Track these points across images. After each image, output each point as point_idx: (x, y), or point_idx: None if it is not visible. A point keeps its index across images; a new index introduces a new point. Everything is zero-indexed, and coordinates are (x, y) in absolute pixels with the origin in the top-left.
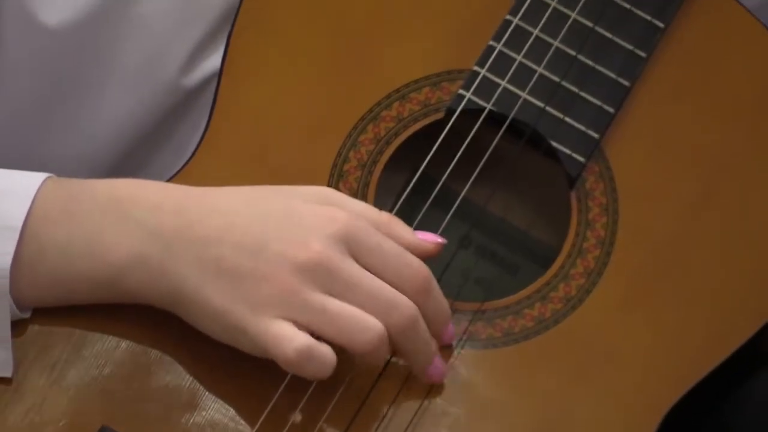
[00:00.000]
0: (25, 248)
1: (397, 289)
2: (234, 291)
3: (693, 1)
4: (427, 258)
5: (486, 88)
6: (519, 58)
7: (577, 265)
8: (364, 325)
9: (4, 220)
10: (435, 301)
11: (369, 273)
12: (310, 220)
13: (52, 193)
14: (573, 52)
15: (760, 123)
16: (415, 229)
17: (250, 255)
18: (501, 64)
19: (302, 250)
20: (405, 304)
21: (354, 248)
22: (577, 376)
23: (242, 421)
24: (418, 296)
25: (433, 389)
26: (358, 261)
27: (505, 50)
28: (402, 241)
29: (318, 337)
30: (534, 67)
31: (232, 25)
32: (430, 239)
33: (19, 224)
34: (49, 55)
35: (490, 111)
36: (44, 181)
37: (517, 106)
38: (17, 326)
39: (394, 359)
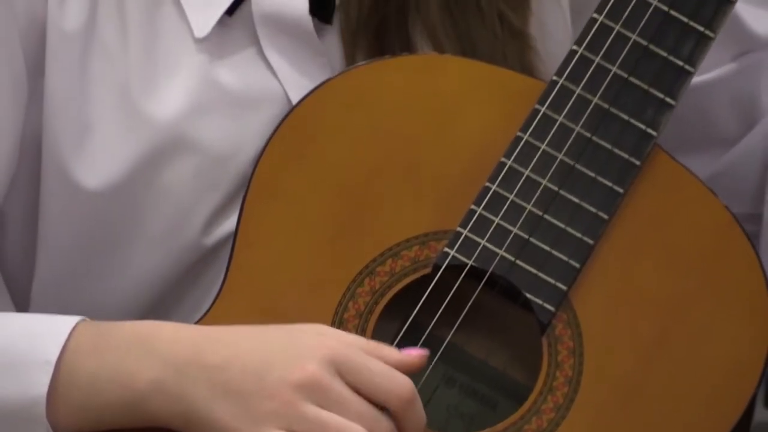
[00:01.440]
0: (59, 379)
1: (383, 401)
2: (240, 409)
3: (648, 169)
4: (412, 372)
5: (468, 247)
6: (496, 220)
7: (548, 401)
8: (351, 431)
9: (42, 354)
10: (416, 412)
11: (354, 392)
12: (305, 347)
13: (84, 331)
14: (544, 215)
15: (708, 273)
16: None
17: (255, 377)
18: (481, 226)
19: (299, 371)
20: (385, 418)
21: (343, 369)
22: None
23: None
24: (402, 406)
25: None
26: (347, 380)
27: (485, 213)
28: (388, 360)
29: None
30: (509, 227)
31: (246, 191)
32: (414, 353)
33: (54, 359)
34: (86, 216)
35: (472, 266)
36: (78, 322)
37: (494, 262)
38: None
39: None
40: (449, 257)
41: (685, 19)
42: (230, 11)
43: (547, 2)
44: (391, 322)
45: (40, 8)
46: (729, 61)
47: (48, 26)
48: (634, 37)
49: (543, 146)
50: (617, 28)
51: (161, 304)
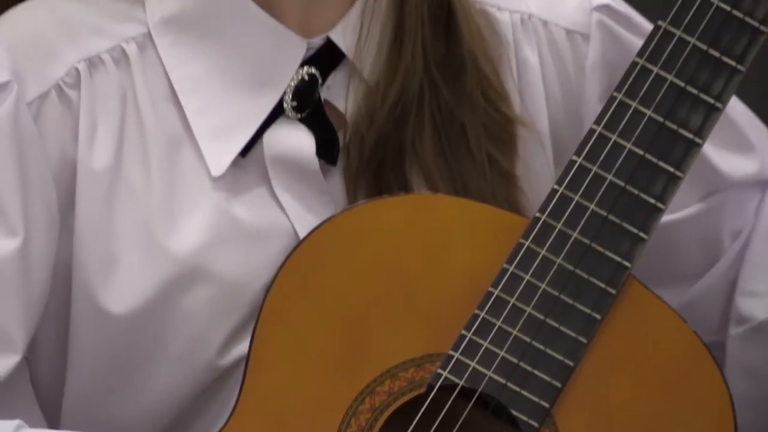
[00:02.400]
0: None
1: None
2: None
3: (623, 297)
4: None
5: (459, 368)
6: (485, 344)
7: None
8: None
9: None
10: None
11: None
12: None
13: None
14: (528, 339)
15: (678, 393)
16: None
17: None
18: (471, 349)
19: None
20: None
21: None
22: None
23: None
24: None
25: None
26: None
27: (474, 338)
28: None
29: None
30: (497, 351)
31: (257, 318)
32: None
33: None
34: (113, 339)
35: (462, 386)
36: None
37: (483, 382)
38: None
39: None
40: (442, 378)
41: (657, 161)
42: (244, 153)
43: (532, 145)
44: None
45: (71, 149)
46: (697, 201)
47: (78, 166)
48: (610, 177)
49: (527, 277)
50: (594, 169)
51: (180, 420)
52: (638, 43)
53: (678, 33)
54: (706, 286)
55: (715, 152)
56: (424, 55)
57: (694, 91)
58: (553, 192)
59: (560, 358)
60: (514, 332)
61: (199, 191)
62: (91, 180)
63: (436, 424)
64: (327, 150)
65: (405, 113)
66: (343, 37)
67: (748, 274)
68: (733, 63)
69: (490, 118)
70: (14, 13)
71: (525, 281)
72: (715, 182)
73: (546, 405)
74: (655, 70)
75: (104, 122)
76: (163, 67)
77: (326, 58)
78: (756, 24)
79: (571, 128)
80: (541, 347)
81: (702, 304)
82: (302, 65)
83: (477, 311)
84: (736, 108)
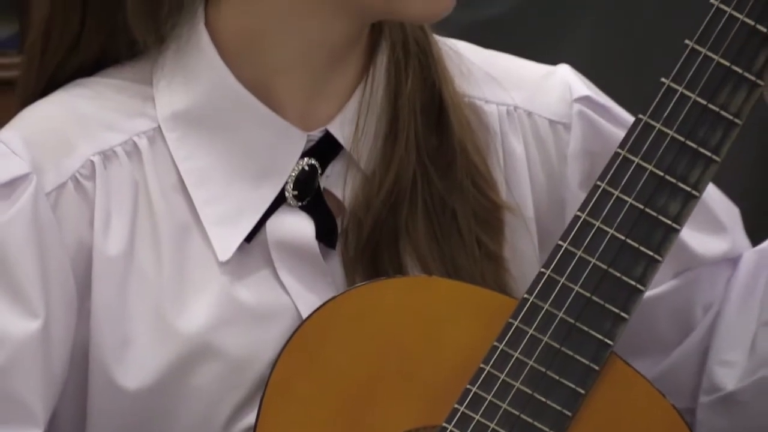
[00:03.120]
0: None
1: None
2: None
3: (605, 372)
4: None
5: None
6: (476, 417)
7: None
8: None
9: None
10: None
11: None
12: None
13: None
14: (517, 413)
15: None
16: None
17: None
18: (463, 422)
19: None
20: None
21: None
22: None
23: None
24: None
25: None
26: None
27: (466, 411)
28: None
29: None
30: (488, 423)
31: (263, 392)
32: None
33: None
34: (127, 413)
35: None
36: None
37: None
38: None
39: None
40: None
41: (638, 246)
42: (248, 238)
43: (518, 229)
44: None
45: (87, 236)
46: (671, 278)
47: (94, 252)
48: (594, 261)
49: (516, 354)
50: (579, 253)
51: None
52: (616, 131)
53: (658, 126)
54: (680, 356)
55: (690, 234)
56: (417, 147)
57: (673, 180)
58: (541, 274)
59: (547, 430)
60: (504, 406)
61: (206, 275)
62: (106, 265)
63: None
64: (326, 234)
65: (399, 200)
66: (341, 129)
67: (720, 345)
68: (709, 154)
69: (479, 204)
70: (34, 109)
71: (514, 358)
72: (689, 261)
73: None
74: (636, 160)
75: (118, 211)
76: (172, 159)
77: (325, 149)
78: (730, 117)
79: (554, 212)
80: (529, 420)
81: (676, 373)
82: (303, 156)
83: (469, 386)
84: (709, 191)
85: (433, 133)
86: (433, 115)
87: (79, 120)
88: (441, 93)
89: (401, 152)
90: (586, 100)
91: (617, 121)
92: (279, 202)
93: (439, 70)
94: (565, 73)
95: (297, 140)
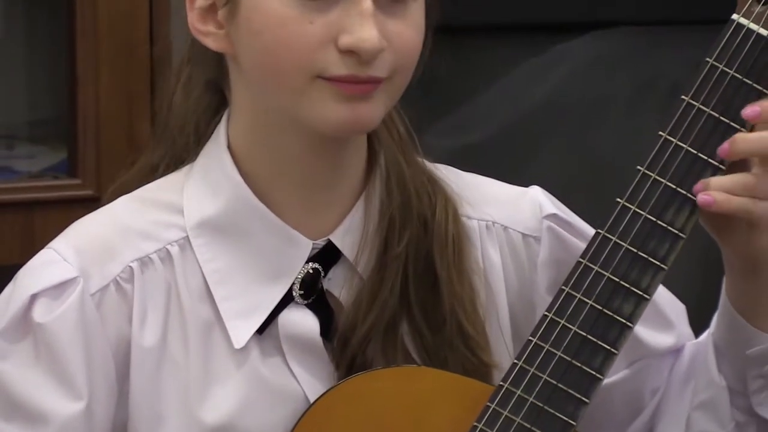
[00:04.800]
0: None
1: None
2: None
3: None
4: None
5: None
6: None
7: None
8: None
9: None
10: None
11: None
12: None
13: None
14: None
15: None
16: None
17: None
18: None
19: None
20: None
21: None
22: None
23: None
24: None
25: None
26: None
27: None
28: None
29: None
30: None
31: None
32: None
33: None
34: None
35: None
36: None
37: None
38: None
39: None
40: None
41: (597, 341)
42: (261, 331)
43: (498, 344)
44: None
45: (126, 330)
46: (625, 367)
47: (132, 344)
48: (559, 353)
49: None
50: (546, 347)
51: None
52: (579, 243)
53: (614, 239)
54: None
55: (642, 330)
56: (407, 300)
57: (627, 285)
58: (513, 365)
59: None
60: None
61: (226, 363)
62: (142, 355)
63: None
64: (329, 329)
65: (394, 304)
66: (342, 239)
67: (663, 425)
68: (658, 263)
69: (468, 360)
70: (83, 221)
71: None
72: (641, 353)
73: None
74: (595, 268)
75: (153, 309)
76: (198, 262)
77: (328, 255)
78: (676, 232)
79: (526, 313)
80: None
81: None
82: (308, 261)
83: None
84: (659, 292)
85: (427, 294)
86: (426, 281)
87: (121, 231)
88: (434, 262)
89: (386, 295)
90: (554, 217)
91: (580, 234)
92: (288, 299)
93: (436, 233)
94: (536, 194)
95: (303, 247)
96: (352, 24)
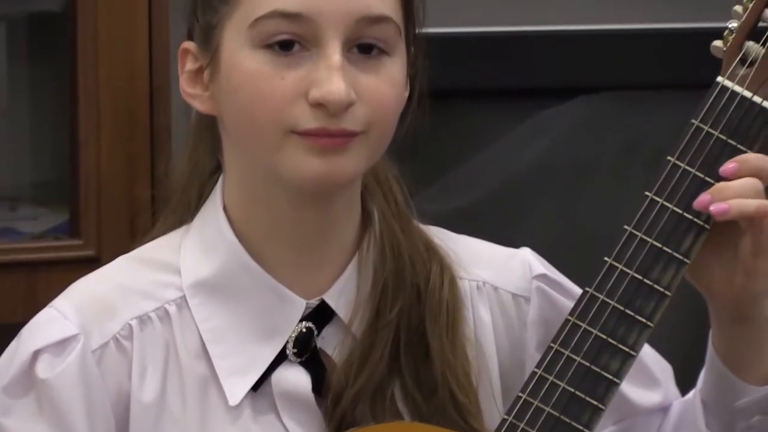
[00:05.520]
0: None
1: None
2: None
3: None
4: None
5: None
6: None
7: None
8: None
9: None
10: None
11: None
12: None
13: None
14: None
15: None
16: None
17: None
18: None
19: None
20: None
21: None
22: None
23: None
24: None
25: None
26: None
27: None
28: None
29: None
30: None
31: None
32: None
33: None
34: None
35: None
36: None
37: None
38: None
39: None
40: None
41: (585, 396)
42: (256, 388)
43: (486, 399)
44: None
45: (126, 386)
46: (612, 424)
47: (131, 399)
48: (548, 409)
49: None
50: (536, 403)
51: None
52: (569, 303)
53: (601, 297)
54: None
55: (628, 387)
56: (398, 366)
57: (614, 342)
58: (503, 421)
59: None
60: None
61: (221, 420)
62: (142, 410)
63: None
64: (321, 386)
65: (383, 370)
66: (336, 299)
67: None
68: (644, 320)
69: (460, 426)
70: (84, 280)
71: None
72: (628, 411)
73: None
74: (583, 326)
75: (152, 366)
76: (195, 321)
77: (321, 314)
78: (662, 290)
79: (516, 371)
80: None
81: None
82: (302, 320)
83: None
84: (646, 351)
85: (418, 362)
86: (418, 349)
87: (120, 290)
88: (426, 331)
89: (376, 359)
90: (543, 277)
91: (569, 293)
92: (282, 357)
93: (429, 302)
94: (525, 255)
95: (297, 306)
96: (321, 78)
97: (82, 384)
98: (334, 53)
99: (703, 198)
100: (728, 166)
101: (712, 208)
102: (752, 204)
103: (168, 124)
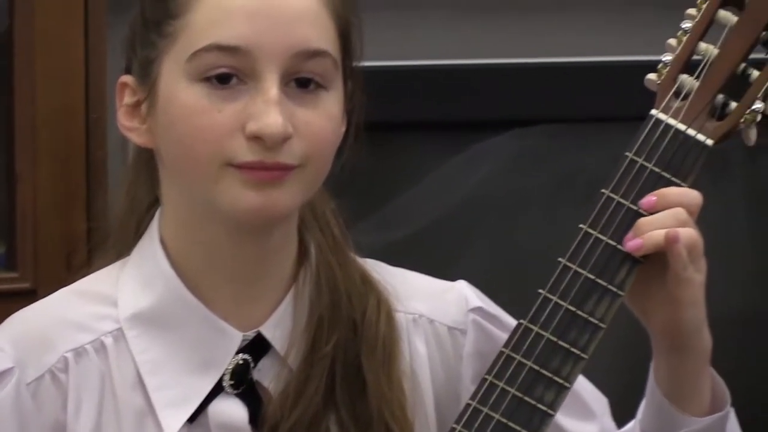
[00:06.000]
0: None
1: None
2: None
3: None
4: None
5: None
6: None
7: None
8: None
9: None
10: None
11: None
12: None
13: None
14: None
15: None
16: None
17: None
18: None
19: None
20: None
21: None
22: None
23: None
24: None
25: None
26: None
27: None
28: None
29: None
30: None
31: None
32: None
33: None
34: None
35: None
36: None
37: None
38: None
39: None
40: None
41: (519, 428)
42: (192, 420)
43: (418, 423)
44: None
45: (62, 418)
46: None
47: (67, 430)
48: None
49: None
50: None
51: None
52: (504, 335)
53: (536, 329)
54: None
55: (563, 419)
56: (333, 400)
57: (548, 374)
58: None
59: None
60: None
61: None
62: None
63: None
64: (258, 419)
65: (318, 402)
66: (272, 332)
67: None
68: (578, 352)
69: None
70: (20, 313)
71: None
72: None
73: None
74: (518, 357)
75: (88, 398)
76: (131, 353)
77: (258, 347)
78: (596, 321)
79: (452, 404)
80: None
81: None
82: (238, 352)
83: None
84: (581, 382)
85: (354, 395)
86: (354, 383)
87: (56, 323)
88: (362, 365)
89: (311, 392)
90: (479, 310)
91: (504, 326)
92: (219, 389)
93: (365, 336)
94: (462, 288)
95: (233, 339)
96: (258, 111)
97: (16, 417)
98: (272, 87)
99: (628, 236)
100: (648, 199)
101: (627, 245)
102: (661, 233)
103: (105, 158)
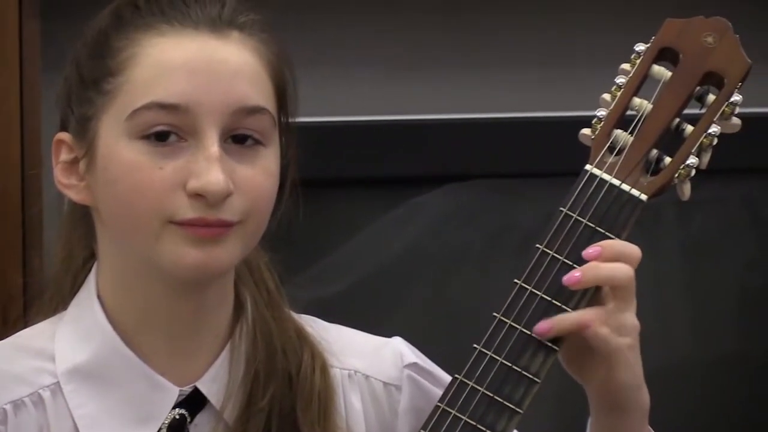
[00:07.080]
0: None
1: None
2: None
3: None
4: None
5: None
6: None
7: None
8: None
9: None
10: None
11: None
12: None
13: None
14: None
15: None
16: None
17: None
18: None
19: None
20: None
21: None
22: None
23: None
24: None
25: None
26: None
27: None
28: None
29: None
30: None
31: None
32: None
33: None
34: None
35: None
36: None
37: None
38: None
39: None
40: None
41: None
42: None
43: None
44: None
45: None
46: None
47: None
48: None
49: None
50: None
51: None
52: (440, 391)
53: (471, 384)
54: None
55: None
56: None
57: (484, 429)
58: None
59: None
60: None
61: None
62: None
63: None
64: None
65: None
66: (209, 386)
67: None
68: (513, 407)
69: None
70: None
71: None
72: None
73: None
74: (453, 412)
75: None
76: (68, 407)
77: (194, 401)
78: (531, 376)
79: None
80: None
81: None
82: (175, 407)
83: None
84: None
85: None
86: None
87: None
88: (298, 419)
89: (261, 405)
90: (414, 366)
91: (439, 381)
92: None
93: (301, 390)
94: (397, 344)
95: (170, 393)
96: (199, 168)
97: None
98: (212, 144)
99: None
100: (593, 249)
101: (535, 330)
102: (572, 317)
103: (40, 213)
